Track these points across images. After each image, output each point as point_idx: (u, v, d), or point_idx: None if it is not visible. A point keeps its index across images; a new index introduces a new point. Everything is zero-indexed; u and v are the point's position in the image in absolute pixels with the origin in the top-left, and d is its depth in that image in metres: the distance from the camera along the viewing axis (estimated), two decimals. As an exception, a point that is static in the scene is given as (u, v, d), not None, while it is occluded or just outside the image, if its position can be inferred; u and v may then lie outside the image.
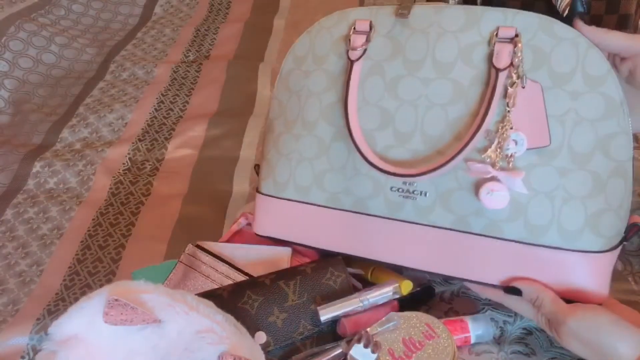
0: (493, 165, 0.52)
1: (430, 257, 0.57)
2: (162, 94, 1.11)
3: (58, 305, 0.72)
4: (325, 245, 0.63)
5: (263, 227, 0.66)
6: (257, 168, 0.69)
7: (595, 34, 0.52)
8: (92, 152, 0.97)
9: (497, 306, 0.63)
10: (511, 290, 0.54)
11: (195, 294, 0.54)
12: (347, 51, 0.60)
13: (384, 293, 0.60)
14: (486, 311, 0.63)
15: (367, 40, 0.59)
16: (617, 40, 0.53)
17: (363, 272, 0.67)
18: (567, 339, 0.51)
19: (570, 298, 0.52)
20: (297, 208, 0.63)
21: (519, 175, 0.52)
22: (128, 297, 0.46)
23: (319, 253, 0.66)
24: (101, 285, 0.73)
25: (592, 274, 0.52)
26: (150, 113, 1.06)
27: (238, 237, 0.71)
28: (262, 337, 0.58)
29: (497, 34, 0.53)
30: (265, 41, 1.24)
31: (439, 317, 0.58)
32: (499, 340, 0.60)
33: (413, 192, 0.56)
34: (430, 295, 0.65)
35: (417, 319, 0.57)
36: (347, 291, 0.61)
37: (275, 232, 0.66)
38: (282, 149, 0.64)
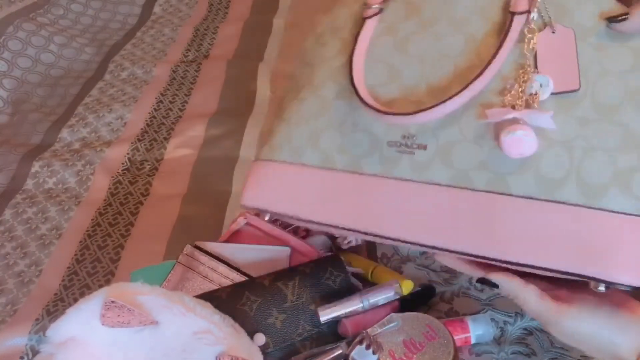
0: (514, 107, 0.48)
1: (424, 222, 0.51)
2: (161, 94, 1.10)
3: (57, 306, 0.72)
4: (315, 216, 0.57)
5: (250, 197, 0.61)
6: None
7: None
8: (91, 152, 0.96)
9: (497, 306, 0.63)
10: (485, 281, 0.49)
11: (194, 296, 0.54)
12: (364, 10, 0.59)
13: (384, 293, 0.59)
14: (486, 311, 0.63)
15: (384, 0, 0.58)
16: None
17: (363, 272, 0.66)
18: (561, 337, 0.47)
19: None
20: (289, 172, 0.58)
21: (545, 112, 0.47)
22: (125, 299, 0.46)
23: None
24: (100, 286, 0.73)
25: (619, 241, 0.44)
26: (149, 113, 1.06)
27: (237, 237, 0.71)
28: (261, 338, 0.57)
29: None
30: (265, 41, 1.23)
31: (439, 317, 0.57)
32: (499, 341, 0.60)
33: (411, 145, 0.53)
34: (431, 295, 0.65)
35: (417, 319, 0.57)
36: (347, 290, 0.61)
37: (263, 202, 0.59)
38: (284, 113, 0.61)
